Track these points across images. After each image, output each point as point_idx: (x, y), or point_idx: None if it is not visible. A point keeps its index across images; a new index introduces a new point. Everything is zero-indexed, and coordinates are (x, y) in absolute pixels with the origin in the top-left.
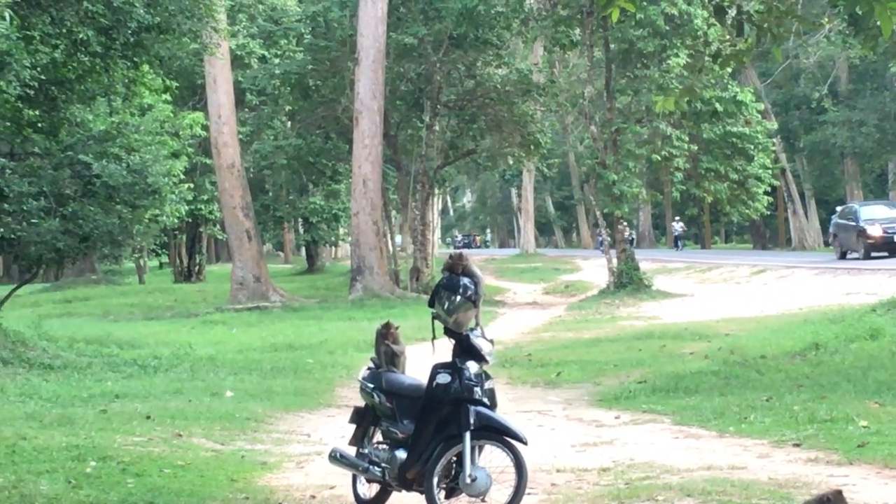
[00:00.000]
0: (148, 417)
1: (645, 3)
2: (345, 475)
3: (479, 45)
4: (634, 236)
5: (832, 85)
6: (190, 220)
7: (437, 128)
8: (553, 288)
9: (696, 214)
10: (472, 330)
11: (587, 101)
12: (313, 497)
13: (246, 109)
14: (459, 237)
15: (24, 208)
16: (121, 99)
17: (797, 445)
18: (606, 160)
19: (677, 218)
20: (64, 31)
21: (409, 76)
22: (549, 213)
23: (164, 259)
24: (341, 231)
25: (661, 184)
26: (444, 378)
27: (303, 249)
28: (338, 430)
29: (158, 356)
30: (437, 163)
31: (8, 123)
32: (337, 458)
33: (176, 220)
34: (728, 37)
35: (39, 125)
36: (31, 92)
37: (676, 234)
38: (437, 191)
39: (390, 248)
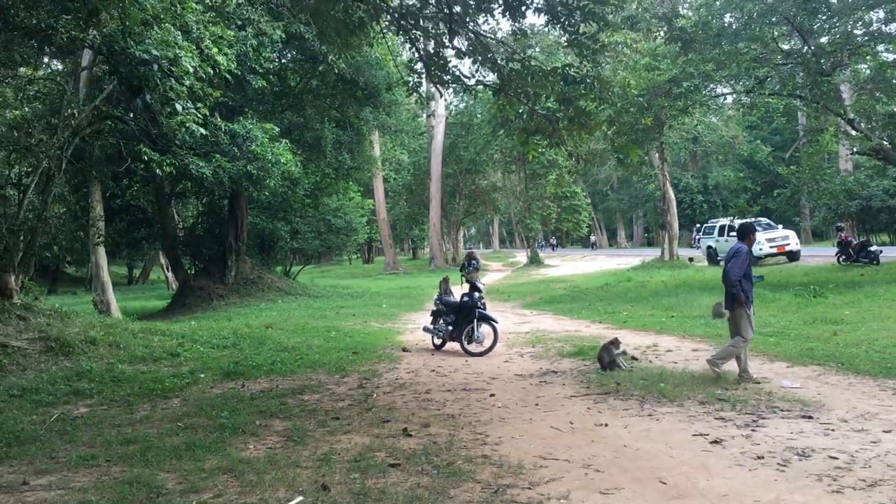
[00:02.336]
0: (353, 315)
1: (542, 151)
2: (425, 337)
3: (477, 171)
4: (555, 243)
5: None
6: (368, 240)
7: (458, 202)
8: (505, 263)
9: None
10: (477, 280)
11: (518, 192)
12: (416, 344)
13: (389, 195)
14: (542, 240)
15: (307, 237)
16: (342, 194)
17: (600, 322)
18: (525, 214)
19: (552, 238)
20: (320, 168)
21: (449, 182)
22: (504, 234)
23: (356, 256)
24: (425, 242)
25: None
26: (466, 298)
27: (411, 250)
28: (424, 319)
29: (356, 291)
30: (461, 217)
31: (299, 205)
32: (425, 329)
33: (362, 240)
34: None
35: (311, 204)
36: (308, 193)
37: (554, 243)
38: (461, 227)
39: (443, 249)
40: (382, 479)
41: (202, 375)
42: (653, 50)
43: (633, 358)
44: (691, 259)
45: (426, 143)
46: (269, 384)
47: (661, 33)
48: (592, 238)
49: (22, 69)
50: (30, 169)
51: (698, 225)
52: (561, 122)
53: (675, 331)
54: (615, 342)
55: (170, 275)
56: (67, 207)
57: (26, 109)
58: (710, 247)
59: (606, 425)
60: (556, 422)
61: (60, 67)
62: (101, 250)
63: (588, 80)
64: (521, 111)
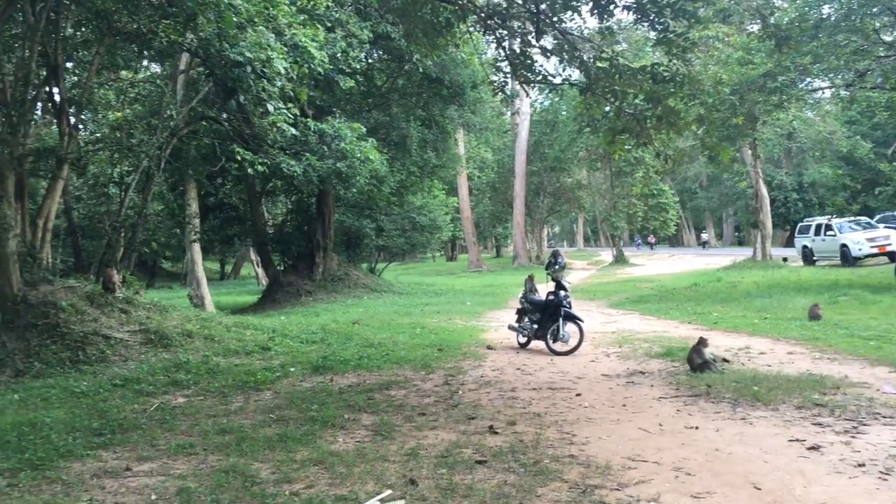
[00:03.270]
0: (438, 312)
1: (629, 149)
2: (510, 335)
3: (561, 169)
4: (654, 241)
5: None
6: (452, 238)
7: (543, 200)
8: (590, 262)
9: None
10: (562, 278)
11: (603, 190)
12: (501, 342)
13: (473, 193)
14: (639, 239)
15: (392, 235)
16: (426, 192)
17: (689, 323)
18: (610, 212)
19: (651, 236)
20: (405, 166)
21: (533, 180)
22: (588, 233)
23: (439, 253)
24: (508, 240)
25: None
26: (551, 297)
27: (494, 248)
28: (509, 317)
29: (440, 289)
30: (545, 215)
31: (385, 203)
32: (510, 327)
33: (446, 238)
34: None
35: (396, 202)
36: (394, 191)
37: (653, 241)
38: (545, 225)
39: (527, 247)
40: (469, 475)
41: (292, 369)
42: (746, 44)
43: (725, 360)
44: (785, 259)
45: (510, 141)
46: (356, 379)
47: (755, 29)
48: (704, 236)
49: (123, 72)
50: (131, 168)
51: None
52: (649, 121)
53: (768, 333)
54: (703, 342)
55: (260, 271)
56: (165, 205)
57: (127, 111)
58: (805, 246)
59: (697, 428)
60: (645, 423)
61: (159, 70)
62: (197, 247)
63: (678, 79)
64: (607, 110)
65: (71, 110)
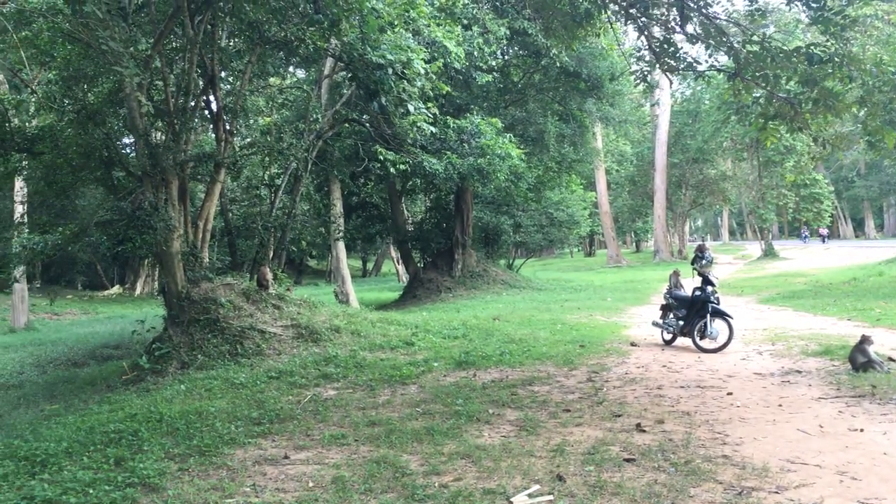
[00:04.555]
0: (578, 308)
1: (781, 136)
2: (654, 332)
3: (704, 161)
4: (826, 234)
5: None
6: (590, 233)
7: (685, 193)
8: (736, 256)
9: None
10: (709, 273)
11: (750, 181)
12: (644, 339)
13: (611, 187)
14: (806, 231)
15: (529, 230)
16: (564, 187)
17: (848, 320)
18: (758, 204)
19: (822, 228)
20: (542, 162)
21: (674, 173)
22: (734, 226)
23: (577, 249)
24: (648, 235)
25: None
26: (698, 293)
27: (634, 243)
28: (651, 314)
29: (579, 285)
30: (688, 208)
31: (522, 199)
32: (654, 324)
33: (584, 233)
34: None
35: (534, 198)
36: (531, 187)
37: (825, 234)
38: (687, 219)
39: (668, 242)
40: (618, 473)
41: (436, 364)
42: None
43: (891, 359)
44: None
45: (650, 133)
46: (499, 374)
47: None
48: (824, 231)
49: (272, 79)
50: (280, 171)
51: None
52: (804, 104)
53: None
54: (867, 340)
55: (400, 267)
56: (312, 205)
57: (276, 116)
58: None
59: (862, 430)
60: (803, 424)
61: (303, 76)
62: (341, 245)
63: (836, 59)
64: (758, 95)
65: (226, 117)
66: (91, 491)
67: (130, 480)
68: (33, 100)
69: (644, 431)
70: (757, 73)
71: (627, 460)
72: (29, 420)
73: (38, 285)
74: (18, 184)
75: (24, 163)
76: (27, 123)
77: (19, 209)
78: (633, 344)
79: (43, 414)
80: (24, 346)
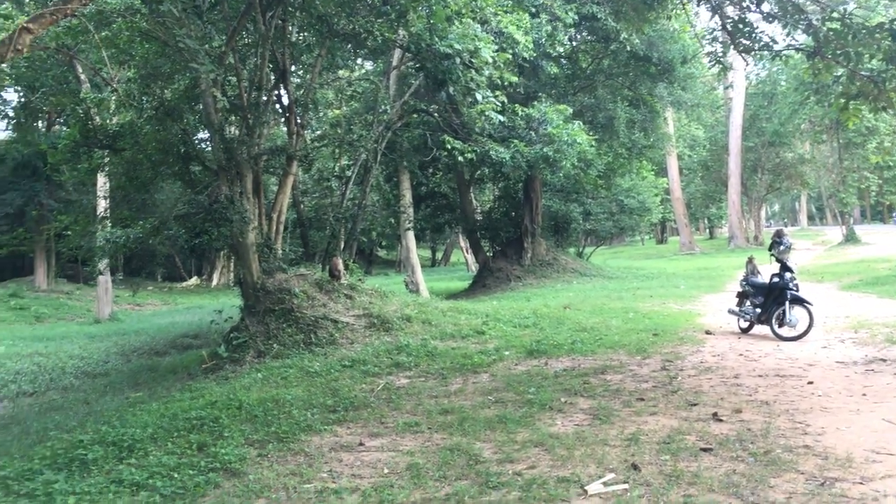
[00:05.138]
0: (650, 296)
1: (862, 115)
2: (729, 320)
3: (781, 144)
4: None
5: None
6: (661, 220)
7: (760, 178)
8: (815, 241)
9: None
10: (787, 259)
11: (829, 164)
12: (720, 327)
13: (683, 173)
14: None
15: (599, 218)
16: (635, 173)
17: None
18: (839, 188)
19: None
20: (612, 148)
21: (749, 157)
22: (812, 210)
23: (648, 236)
24: (722, 221)
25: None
26: (776, 279)
27: (707, 230)
28: (726, 301)
29: (651, 272)
30: (764, 192)
31: (592, 186)
32: (730, 312)
33: (655, 220)
34: None
35: (603, 185)
36: (601, 174)
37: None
38: (763, 204)
39: (744, 228)
40: (694, 462)
41: (507, 353)
42: None
43: None
44: None
45: (723, 117)
46: (570, 363)
47: None
48: None
49: (341, 72)
50: (350, 162)
51: None
52: (888, 82)
53: None
54: None
55: (469, 257)
56: (381, 196)
57: (346, 108)
58: None
59: None
60: (890, 414)
61: (371, 67)
62: (411, 234)
63: None
64: (839, 74)
65: (297, 111)
66: (176, 475)
67: (213, 465)
68: (114, 98)
69: (721, 421)
70: (837, 51)
71: (704, 450)
72: (115, 407)
73: (121, 277)
74: (101, 179)
75: (107, 159)
76: (108, 121)
77: (102, 204)
78: (707, 332)
79: (128, 401)
80: (108, 336)
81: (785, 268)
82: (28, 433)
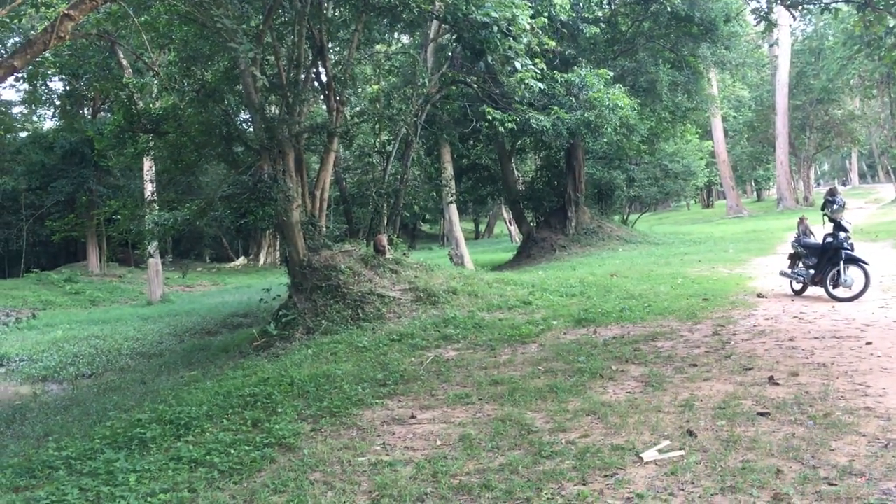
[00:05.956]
0: (698, 261)
1: None
2: (781, 282)
3: (830, 101)
4: None
5: None
6: (707, 184)
7: (808, 136)
8: (868, 200)
9: None
10: (842, 218)
11: (881, 120)
12: (772, 290)
13: (728, 134)
14: None
15: (643, 184)
16: (679, 137)
17: None
18: (891, 144)
19: None
20: (655, 112)
21: (797, 115)
22: (863, 168)
23: (694, 201)
24: (770, 182)
25: None
26: (830, 239)
27: (754, 192)
28: (777, 264)
29: (698, 237)
30: (813, 152)
31: (635, 152)
32: (782, 274)
33: (701, 184)
34: None
35: (647, 150)
36: (644, 139)
37: None
38: (812, 164)
39: (792, 189)
40: (752, 427)
41: (554, 322)
42: None
43: None
44: None
45: (769, 76)
46: (619, 331)
47: None
48: None
49: (378, 46)
50: (391, 137)
51: None
52: None
53: None
54: None
55: (512, 228)
56: (423, 170)
57: (384, 83)
58: None
59: None
60: None
61: (408, 41)
62: (453, 208)
63: None
64: (892, 26)
65: (336, 87)
66: (232, 451)
67: (268, 441)
68: (156, 82)
69: (777, 384)
70: (890, 2)
71: (761, 414)
72: (171, 386)
73: (171, 260)
74: (147, 164)
75: (151, 143)
76: (151, 105)
77: (149, 188)
78: (759, 295)
79: (183, 380)
80: (161, 317)
81: (839, 227)
82: (88, 414)
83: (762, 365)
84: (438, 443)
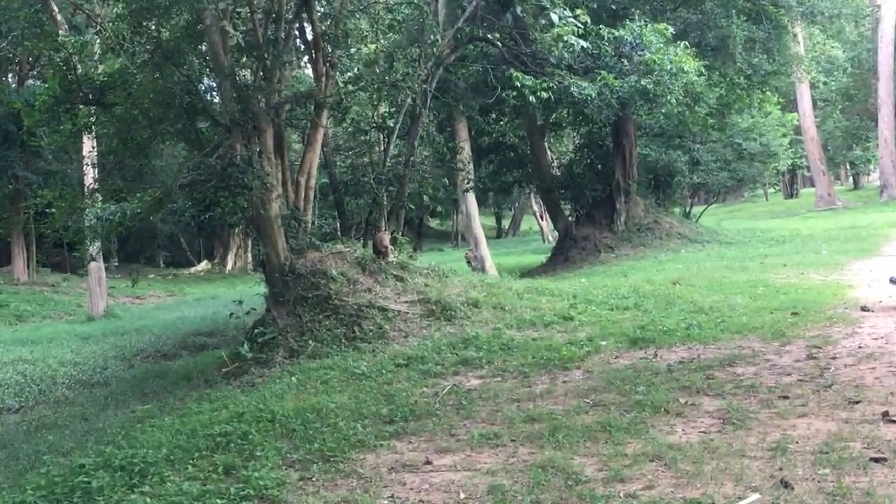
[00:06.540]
0: (783, 265)
1: None
2: (892, 291)
3: None
4: None
5: None
6: (791, 168)
7: None
8: None
9: None
10: None
11: None
12: (879, 301)
13: (818, 105)
14: None
15: (710, 168)
16: (756, 108)
17: None
18: None
19: None
20: (726, 76)
21: None
22: None
23: (774, 189)
24: (871, 165)
25: None
26: None
27: (850, 177)
28: (885, 268)
29: (781, 235)
30: None
31: (700, 128)
32: (892, 281)
33: (783, 168)
34: None
35: (715, 125)
36: (712, 111)
37: None
38: None
39: None
40: (864, 476)
41: (603, 343)
42: None
43: None
44: None
45: (869, 31)
46: (687, 353)
47: None
48: None
49: None
50: (393, 109)
51: None
52: None
53: None
54: None
55: (544, 224)
56: (434, 150)
57: (383, 41)
58: None
59: None
60: None
61: None
62: (471, 198)
63: None
64: None
65: (325, 47)
66: None
67: (245, 492)
68: (99, 41)
69: (893, 422)
70: None
71: (875, 459)
72: (120, 423)
73: (116, 264)
74: (88, 144)
75: (94, 118)
76: (94, 70)
77: (91, 174)
78: (864, 308)
79: (135, 416)
80: (105, 336)
81: None
82: (17, 458)
83: (872, 397)
84: (462, 496)
